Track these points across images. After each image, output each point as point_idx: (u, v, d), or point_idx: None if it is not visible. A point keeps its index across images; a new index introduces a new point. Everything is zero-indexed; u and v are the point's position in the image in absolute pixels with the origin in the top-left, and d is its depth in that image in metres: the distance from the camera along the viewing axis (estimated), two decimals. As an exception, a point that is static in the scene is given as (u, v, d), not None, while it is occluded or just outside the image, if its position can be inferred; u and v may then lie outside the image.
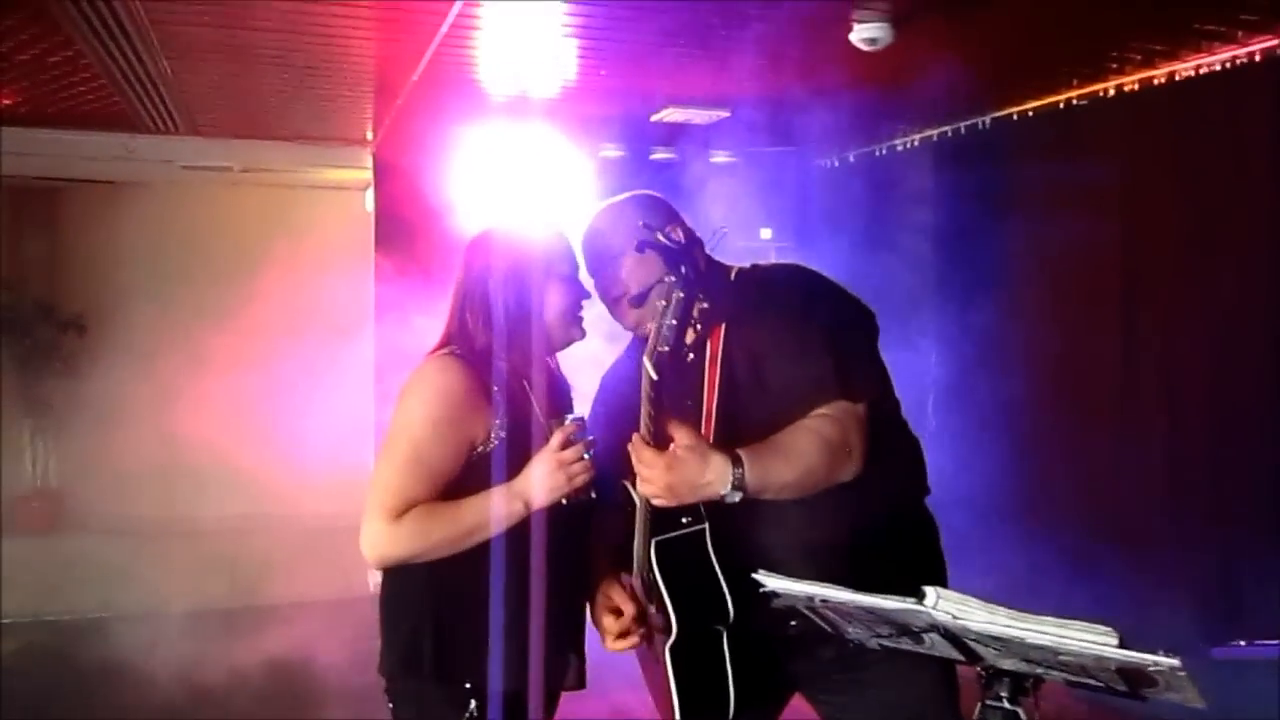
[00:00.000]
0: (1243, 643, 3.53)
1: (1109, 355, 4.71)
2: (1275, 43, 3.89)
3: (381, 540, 2.01)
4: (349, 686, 4.64)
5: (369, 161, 6.46)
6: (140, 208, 7.90)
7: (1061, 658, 1.47)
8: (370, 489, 2.04)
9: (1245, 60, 4.01)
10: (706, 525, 2.04)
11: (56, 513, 7.86)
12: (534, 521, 2.05)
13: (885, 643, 1.74)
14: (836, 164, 6.52)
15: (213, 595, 6.25)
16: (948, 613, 1.50)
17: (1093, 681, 1.54)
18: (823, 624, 1.79)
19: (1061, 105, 4.83)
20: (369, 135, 6.14)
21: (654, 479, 1.89)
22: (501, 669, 2.03)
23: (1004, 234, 5.22)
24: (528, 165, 5.73)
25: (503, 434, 2.05)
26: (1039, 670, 1.58)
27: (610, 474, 2.11)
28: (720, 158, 6.43)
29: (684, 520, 2.03)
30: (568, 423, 2.09)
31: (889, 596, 1.56)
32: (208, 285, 7.74)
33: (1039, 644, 1.44)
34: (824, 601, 1.68)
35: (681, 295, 1.84)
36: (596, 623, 2.18)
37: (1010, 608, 1.48)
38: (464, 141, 5.69)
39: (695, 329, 1.91)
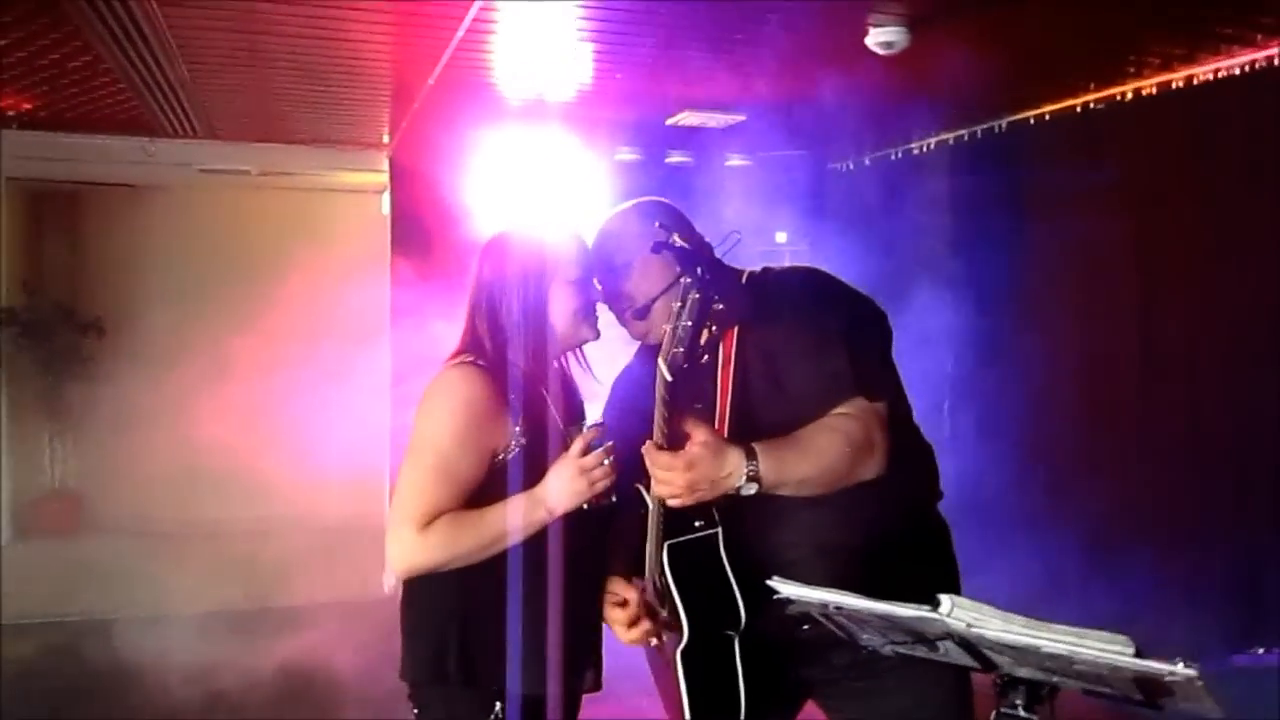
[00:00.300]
0: (1262, 650, 3.51)
1: (1127, 358, 4.69)
2: (1294, 46, 3.87)
3: (410, 550, 2.02)
4: (365, 688, 4.66)
5: (385, 165, 6.48)
6: (159, 211, 7.96)
7: (1077, 666, 1.46)
8: (396, 499, 2.05)
9: (1264, 64, 3.98)
10: (720, 530, 2.04)
11: (75, 514, 7.91)
12: (555, 527, 2.06)
13: (900, 649, 1.74)
14: (851, 167, 6.50)
15: (230, 597, 6.28)
16: (963, 621, 1.49)
17: (1109, 690, 1.53)
18: (837, 630, 1.79)
19: (1078, 109, 4.81)
20: (385, 139, 6.16)
21: (673, 480, 1.89)
22: (526, 673, 2.05)
23: (1020, 238, 5.20)
24: (543, 169, 5.75)
25: (523, 441, 2.06)
26: (1055, 679, 1.57)
27: (623, 478, 2.11)
28: (735, 161, 6.43)
29: (696, 524, 2.03)
30: (587, 429, 2.10)
31: (904, 604, 1.55)
32: (226, 288, 7.78)
33: (1055, 653, 1.43)
34: (839, 609, 1.67)
35: (697, 296, 1.83)
36: (607, 619, 2.19)
37: (1026, 616, 1.47)
38: (480, 145, 5.71)
39: (709, 330, 1.91)
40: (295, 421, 6.86)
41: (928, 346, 5.01)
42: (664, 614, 2.08)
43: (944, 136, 5.67)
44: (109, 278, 8.04)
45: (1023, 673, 1.59)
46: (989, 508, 4.67)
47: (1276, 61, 3.93)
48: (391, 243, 6.35)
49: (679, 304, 1.85)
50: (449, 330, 2.22)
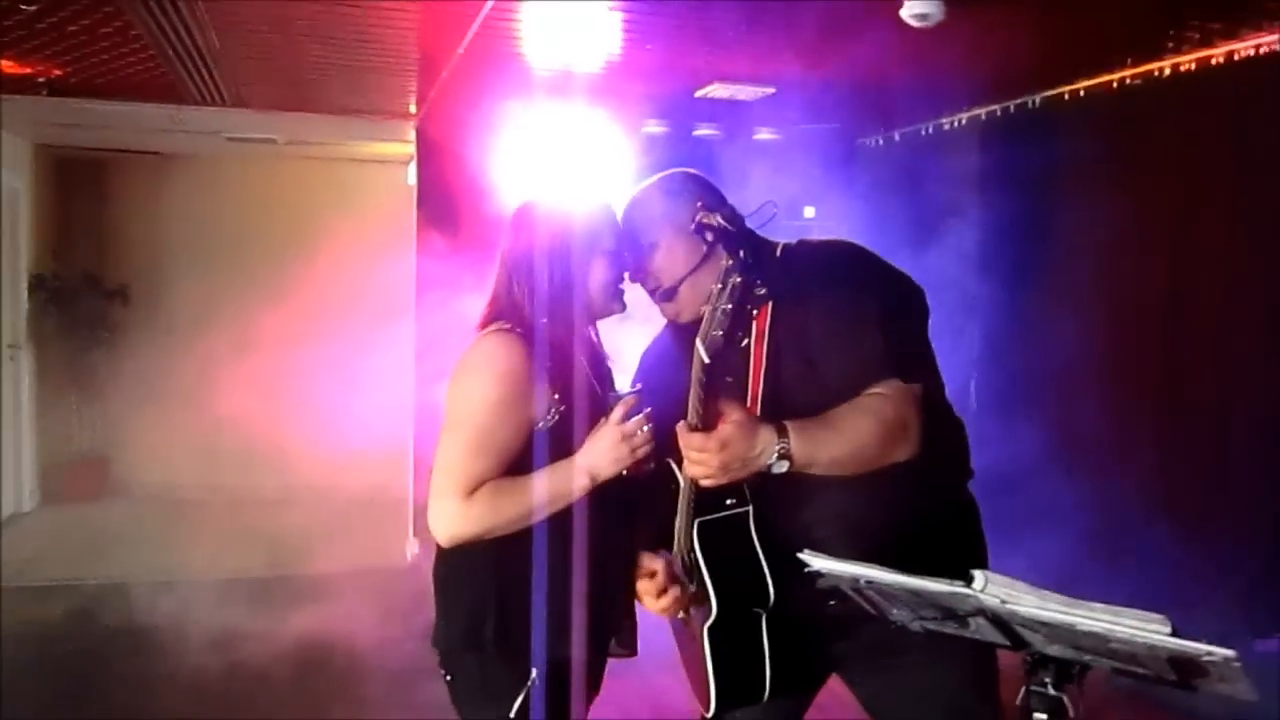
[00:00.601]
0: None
1: (1156, 339, 4.64)
2: (1339, 21, 3.79)
3: (454, 519, 2.01)
4: (385, 656, 4.69)
5: (412, 136, 6.48)
6: (186, 179, 8.01)
7: (1112, 645, 1.44)
8: (437, 468, 2.04)
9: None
10: (750, 508, 2.03)
11: (101, 480, 8.01)
12: (591, 494, 2.06)
13: (929, 626, 1.72)
14: (881, 142, 6.45)
15: (252, 565, 6.34)
16: (996, 597, 1.47)
17: (1141, 670, 1.52)
18: (866, 605, 1.77)
19: (1115, 85, 4.73)
20: (412, 109, 6.15)
21: (707, 460, 1.87)
22: (563, 639, 2.05)
23: (1052, 215, 5.15)
24: (570, 141, 5.72)
25: (562, 408, 2.05)
26: (1086, 658, 1.56)
27: (655, 450, 2.10)
28: (764, 135, 6.39)
29: (728, 502, 2.02)
30: (626, 395, 2.09)
31: (937, 579, 1.54)
32: (252, 256, 7.84)
33: (1090, 631, 1.42)
34: (870, 583, 1.66)
35: (739, 280, 1.80)
36: (635, 591, 2.19)
37: (1059, 594, 1.45)
38: (507, 117, 5.69)
39: (748, 311, 1.88)
40: (320, 390, 6.90)
41: (955, 324, 4.98)
42: (692, 589, 2.08)
43: (976, 112, 5.60)
44: (135, 245, 8.11)
45: (1053, 651, 1.57)
46: (1013, 488, 4.65)
47: (1320, 37, 3.86)
48: (417, 213, 6.35)
49: (719, 286, 1.82)
50: (475, 301, 2.21)
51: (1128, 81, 4.66)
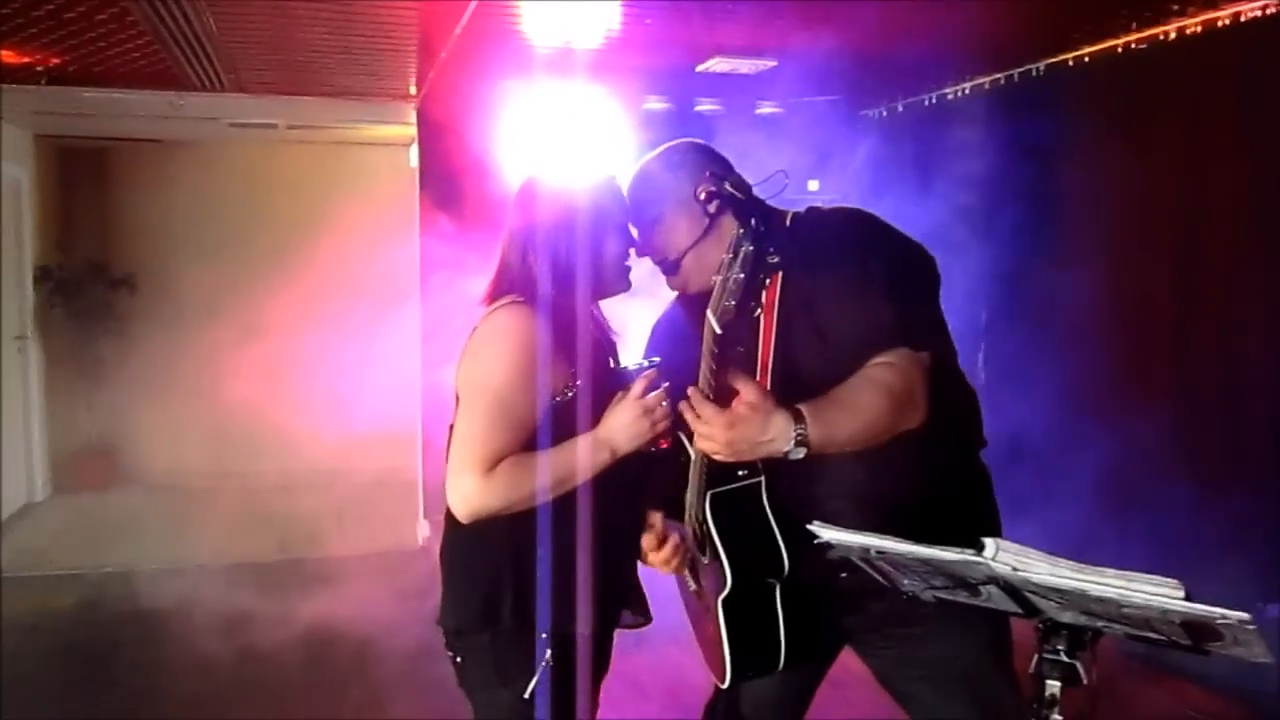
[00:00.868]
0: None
1: (1165, 308, 4.61)
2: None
3: (475, 494, 1.98)
4: (396, 639, 4.71)
5: (413, 117, 6.45)
6: (188, 166, 7.99)
7: (1125, 611, 1.43)
8: (456, 444, 2.01)
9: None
10: (763, 478, 2.02)
11: (110, 469, 8.03)
12: (607, 470, 2.05)
13: (940, 595, 1.72)
14: (885, 114, 6.41)
15: (262, 550, 6.36)
16: (1008, 564, 1.47)
17: (1154, 635, 1.51)
18: (876, 576, 1.77)
19: (1119, 50, 4.68)
20: (412, 90, 6.12)
21: (714, 435, 1.85)
22: (578, 613, 2.04)
23: (1058, 184, 5.11)
24: (571, 118, 5.69)
25: (578, 382, 2.03)
26: (1099, 624, 1.55)
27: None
28: (766, 108, 6.35)
29: (740, 473, 2.01)
30: (646, 369, 2.07)
31: (947, 548, 1.53)
32: (256, 242, 7.83)
33: (1103, 596, 1.41)
34: (880, 553, 1.65)
35: (751, 248, 1.78)
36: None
37: (1071, 559, 1.45)
38: (507, 95, 5.66)
39: (760, 281, 1.86)
40: (326, 375, 6.91)
41: (962, 295, 4.95)
42: (705, 561, 2.07)
43: (979, 81, 5.56)
44: (139, 234, 8.10)
45: (1066, 618, 1.57)
46: (1020, 456, 4.64)
47: (1329, -3, 3.81)
48: (420, 194, 6.33)
49: (730, 255, 1.80)
50: (480, 281, 2.19)
51: (1133, 46, 4.61)
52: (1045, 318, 5.13)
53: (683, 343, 2.08)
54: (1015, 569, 1.47)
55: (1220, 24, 4.20)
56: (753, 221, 1.80)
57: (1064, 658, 1.61)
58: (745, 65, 5.37)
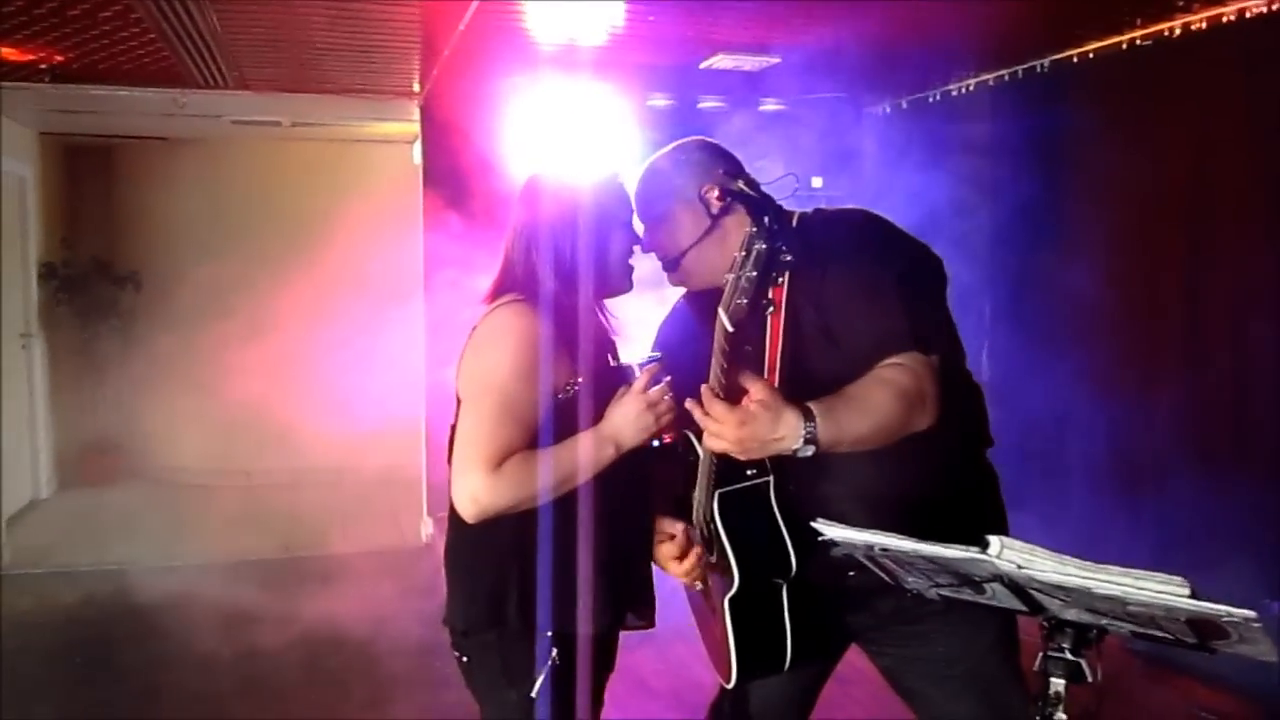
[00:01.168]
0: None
1: (1170, 304, 4.60)
2: (1352, -24, 3.73)
3: (483, 491, 1.97)
4: (400, 636, 4.71)
5: (416, 114, 6.45)
6: (193, 163, 8.00)
7: (1130, 608, 1.43)
8: (461, 442, 2.01)
9: (1322, -5, 3.85)
10: (771, 478, 2.02)
11: (115, 466, 8.04)
12: (612, 466, 2.04)
13: (945, 593, 1.71)
14: (889, 110, 6.39)
15: (268, 546, 6.37)
16: (1013, 562, 1.46)
17: (1160, 633, 1.51)
18: (882, 574, 1.77)
19: (1124, 46, 4.67)
20: (416, 87, 6.12)
21: (724, 434, 1.84)
22: (585, 613, 2.04)
23: (1063, 181, 5.10)
24: (576, 116, 5.69)
25: (579, 380, 2.03)
26: (1104, 621, 1.55)
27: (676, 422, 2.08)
28: (770, 105, 6.34)
29: (749, 472, 2.00)
30: (648, 364, 2.07)
31: (952, 545, 1.53)
32: (260, 239, 7.83)
33: (1108, 594, 1.41)
34: (884, 551, 1.65)
35: (764, 247, 1.77)
36: (656, 557, 2.18)
37: (1077, 557, 1.44)
38: (510, 92, 5.66)
39: (772, 280, 1.86)
40: (331, 372, 6.91)
41: (966, 291, 4.94)
42: (712, 559, 2.07)
43: (984, 78, 5.54)
44: (144, 231, 8.12)
45: (1071, 615, 1.57)
46: (1026, 455, 4.63)
47: (1334, -7, 3.80)
48: (424, 192, 6.33)
49: (743, 253, 1.78)
50: (485, 278, 2.19)
51: (1138, 42, 4.60)
52: (1049, 314, 5.12)
53: (690, 340, 2.09)
54: (1020, 566, 1.46)
55: (1225, 20, 4.19)
56: (766, 220, 1.79)
57: (1069, 655, 1.60)
58: (749, 62, 5.36)
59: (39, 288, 7.65)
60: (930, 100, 6.00)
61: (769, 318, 2.01)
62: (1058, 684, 1.60)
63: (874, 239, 2.10)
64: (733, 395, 1.87)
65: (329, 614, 5.01)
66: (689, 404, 1.90)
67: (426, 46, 5.09)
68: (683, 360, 2.06)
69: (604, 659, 2.18)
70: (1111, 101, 4.81)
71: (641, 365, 2.08)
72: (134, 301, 7.98)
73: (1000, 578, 1.53)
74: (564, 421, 2.03)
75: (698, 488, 2.05)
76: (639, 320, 2.37)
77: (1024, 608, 1.62)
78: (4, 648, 4.73)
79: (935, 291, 2.10)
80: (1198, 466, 4.34)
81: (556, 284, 2.05)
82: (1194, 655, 1.53)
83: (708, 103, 6.29)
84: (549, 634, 2.03)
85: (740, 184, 1.93)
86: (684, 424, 2.03)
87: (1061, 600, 1.52)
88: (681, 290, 2.31)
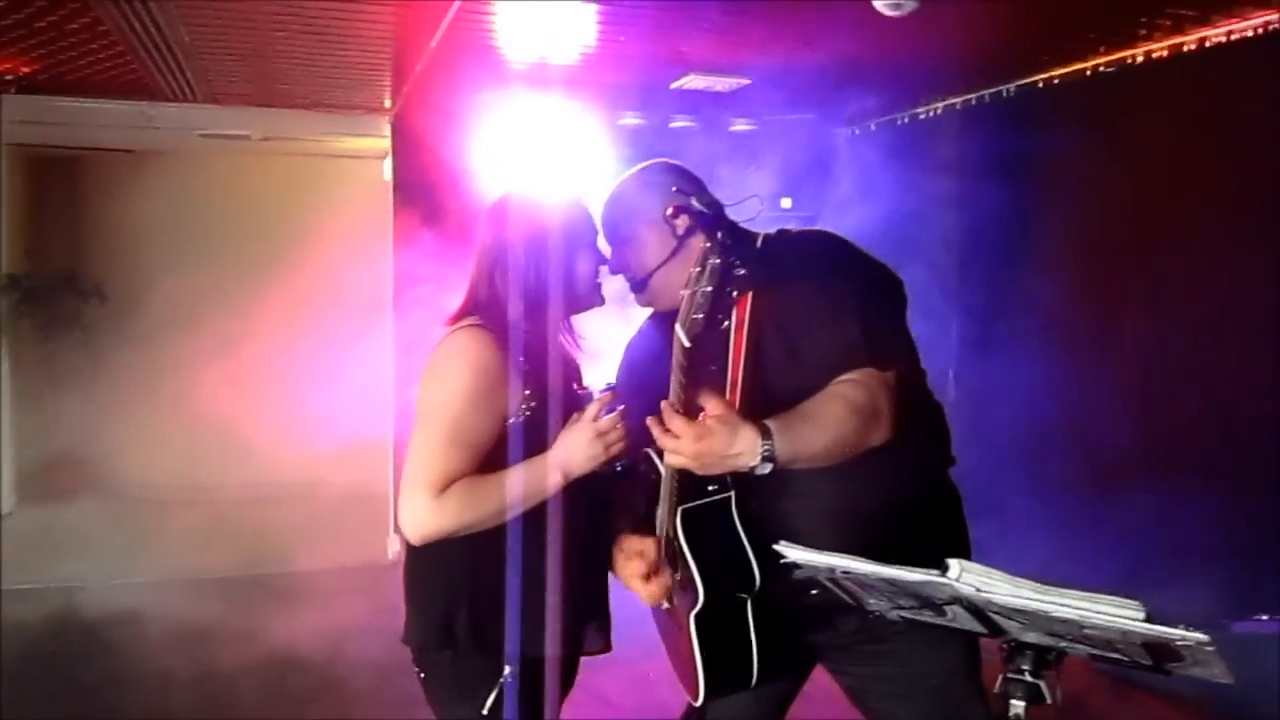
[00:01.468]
0: (1265, 617, 3.50)
1: (1135, 326, 4.66)
2: (1309, 7, 3.81)
3: (425, 515, 1.99)
4: (368, 653, 4.67)
5: (387, 130, 6.43)
6: (160, 176, 7.93)
7: (1087, 631, 1.45)
8: (409, 465, 2.02)
9: (1279, 25, 3.92)
10: (732, 493, 2.03)
11: (78, 480, 7.93)
12: (565, 491, 2.06)
13: (906, 615, 1.73)
14: (858, 133, 6.45)
15: (233, 563, 6.30)
16: (971, 585, 1.48)
17: (1117, 655, 1.53)
18: (843, 595, 1.78)
19: (1088, 73, 4.75)
20: (387, 103, 6.11)
21: (682, 449, 1.85)
22: (536, 636, 2.05)
23: (1029, 201, 5.16)
24: (547, 133, 5.70)
25: (534, 404, 2.04)
26: (1063, 644, 1.57)
27: (636, 443, 2.10)
28: (741, 126, 6.38)
29: (710, 488, 2.02)
30: (600, 393, 2.09)
31: (911, 569, 1.54)
32: (228, 253, 7.77)
33: (1064, 617, 1.42)
34: (846, 573, 1.66)
35: (718, 262, 1.80)
36: (622, 575, 2.18)
37: (1035, 580, 1.46)
38: (482, 110, 5.66)
39: (728, 295, 1.88)
40: (298, 387, 6.86)
41: (933, 313, 4.99)
42: (676, 577, 2.08)
43: (951, 101, 5.61)
44: (110, 244, 8.04)
45: (1030, 638, 1.58)
46: (990, 475, 4.66)
47: (1292, 22, 3.87)
48: (394, 208, 6.31)
49: (698, 269, 1.82)
50: (452, 296, 2.19)
51: (1101, 69, 4.68)
52: (1015, 333, 5.17)
53: (655, 360, 2.10)
54: (978, 590, 1.48)
55: (1186, 49, 4.27)
56: (719, 235, 1.82)
57: (1028, 677, 1.62)
58: (720, 83, 5.40)
59: (2, 299, 7.56)
60: (899, 123, 6.06)
61: (732, 335, 2.04)
62: (1017, 706, 1.62)
63: (833, 259, 2.14)
64: (693, 412, 1.89)
65: (294, 631, 4.96)
66: (650, 420, 1.92)
67: (398, 62, 5.09)
68: (649, 379, 2.07)
69: (564, 677, 2.18)
70: (1076, 125, 4.88)
71: (600, 393, 2.09)
72: (98, 315, 7.90)
73: (960, 600, 1.55)
74: (520, 445, 2.03)
75: (661, 504, 2.06)
76: (607, 339, 2.39)
77: (984, 630, 1.64)
78: (-38, 665, 4.66)
79: (894, 310, 2.14)
80: (1161, 489, 4.39)
81: (520, 306, 2.07)
82: (1157, 675, 1.55)
83: (679, 122, 6.32)
84: (500, 654, 2.03)
85: (695, 202, 1.95)
86: (646, 442, 2.04)
87: (1020, 623, 1.53)
88: (649, 311, 2.32)
